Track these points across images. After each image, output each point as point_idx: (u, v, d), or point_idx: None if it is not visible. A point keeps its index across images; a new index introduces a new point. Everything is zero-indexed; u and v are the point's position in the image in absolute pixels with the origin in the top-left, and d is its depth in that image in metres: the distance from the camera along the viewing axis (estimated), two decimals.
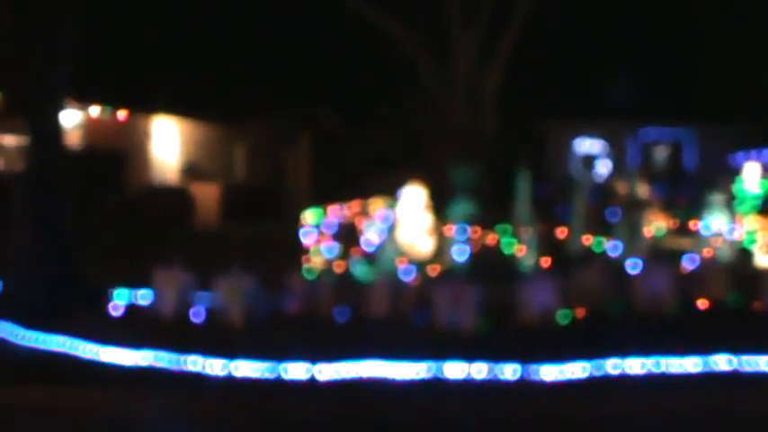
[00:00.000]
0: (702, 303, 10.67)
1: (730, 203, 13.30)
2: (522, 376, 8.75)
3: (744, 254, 12.74)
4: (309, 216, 13.08)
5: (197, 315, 10.90)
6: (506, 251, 12.43)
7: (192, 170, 27.54)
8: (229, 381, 9.07)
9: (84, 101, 22.57)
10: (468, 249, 12.33)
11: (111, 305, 11.60)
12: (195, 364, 9.30)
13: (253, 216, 24.43)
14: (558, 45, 23.97)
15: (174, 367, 9.38)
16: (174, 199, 24.99)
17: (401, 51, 17.19)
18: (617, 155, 27.08)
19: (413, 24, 16.72)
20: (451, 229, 12.53)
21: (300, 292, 11.20)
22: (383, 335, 9.84)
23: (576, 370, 8.76)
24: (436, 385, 8.75)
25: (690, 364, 8.86)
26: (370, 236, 12.69)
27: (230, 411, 8.54)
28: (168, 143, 27.48)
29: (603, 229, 12.99)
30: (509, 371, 8.78)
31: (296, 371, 9.00)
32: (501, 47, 16.65)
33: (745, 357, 9.09)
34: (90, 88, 21.38)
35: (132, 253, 15.45)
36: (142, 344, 9.72)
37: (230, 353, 9.28)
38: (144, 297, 11.71)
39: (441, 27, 16.48)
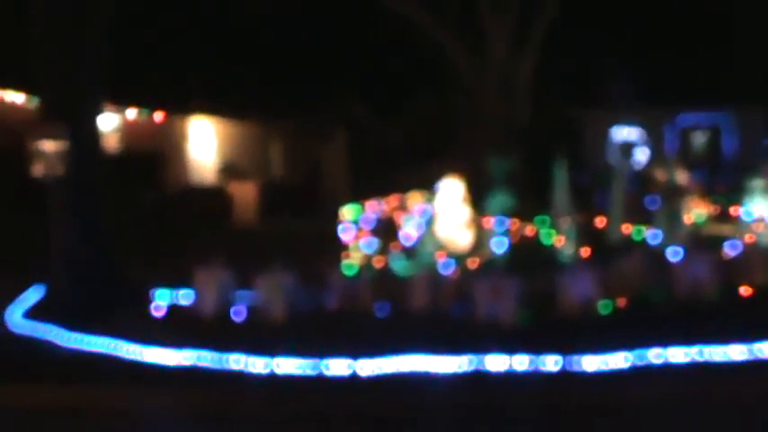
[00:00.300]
0: (745, 290, 10.58)
1: None
2: (563, 367, 8.71)
3: None
4: (347, 212, 13.09)
5: (238, 313, 10.97)
6: (545, 242, 12.38)
7: (229, 169, 27.66)
8: (271, 378, 9.09)
9: (121, 104, 22.71)
10: (506, 241, 12.29)
11: (152, 306, 11.70)
12: (237, 362, 9.34)
13: (291, 213, 24.51)
14: (592, 31, 23.81)
15: (216, 366, 9.42)
16: (211, 199, 25.14)
17: (432, 39, 17.06)
18: (655, 142, 26.87)
19: (442, 10, 16.58)
20: (490, 222, 12.50)
21: (340, 288, 11.23)
22: (424, 329, 9.84)
23: (618, 360, 8.71)
24: (478, 378, 8.72)
25: (734, 352, 8.77)
26: (409, 230, 12.68)
27: (273, 409, 8.56)
28: (205, 143, 27.62)
29: (643, 217, 12.89)
30: (550, 362, 8.74)
31: (337, 367, 9.01)
32: (534, 33, 16.51)
33: None
34: (127, 91, 21.52)
35: (172, 253, 15.53)
36: (184, 344, 9.78)
37: (272, 350, 9.31)
38: (185, 297, 11.78)
39: (472, 12, 16.33)
